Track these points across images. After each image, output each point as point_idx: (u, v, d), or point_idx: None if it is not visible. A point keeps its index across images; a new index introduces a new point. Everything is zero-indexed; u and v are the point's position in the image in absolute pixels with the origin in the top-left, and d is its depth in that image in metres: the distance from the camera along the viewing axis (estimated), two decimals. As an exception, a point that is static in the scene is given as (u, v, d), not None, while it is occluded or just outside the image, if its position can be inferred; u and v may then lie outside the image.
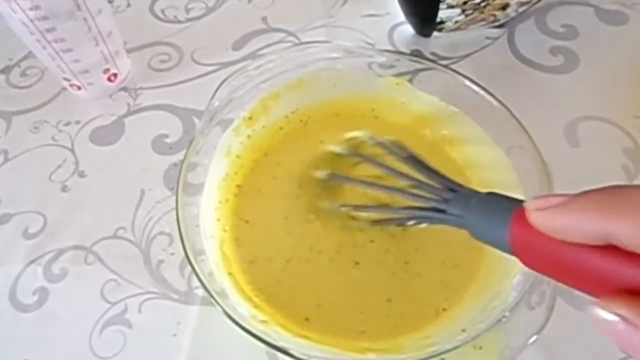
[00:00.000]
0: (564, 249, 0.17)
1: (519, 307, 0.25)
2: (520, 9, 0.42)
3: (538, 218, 0.17)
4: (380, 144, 0.30)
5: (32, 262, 0.35)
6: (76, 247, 0.36)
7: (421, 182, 0.26)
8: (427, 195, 0.25)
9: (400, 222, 0.27)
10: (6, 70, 0.46)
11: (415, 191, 0.25)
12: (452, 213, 0.23)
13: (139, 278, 0.34)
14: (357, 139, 0.33)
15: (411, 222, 0.26)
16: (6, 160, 0.41)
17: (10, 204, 0.38)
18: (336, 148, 0.32)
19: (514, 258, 0.25)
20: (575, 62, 0.43)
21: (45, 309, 0.33)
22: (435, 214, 0.24)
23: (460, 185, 0.24)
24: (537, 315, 0.25)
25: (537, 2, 0.42)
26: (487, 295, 0.27)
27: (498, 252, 0.24)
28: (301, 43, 0.45)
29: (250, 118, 0.35)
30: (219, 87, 0.34)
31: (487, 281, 0.29)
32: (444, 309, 0.28)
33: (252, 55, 0.45)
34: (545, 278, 0.26)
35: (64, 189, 0.39)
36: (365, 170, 0.31)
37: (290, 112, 0.37)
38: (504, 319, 0.24)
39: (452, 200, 0.23)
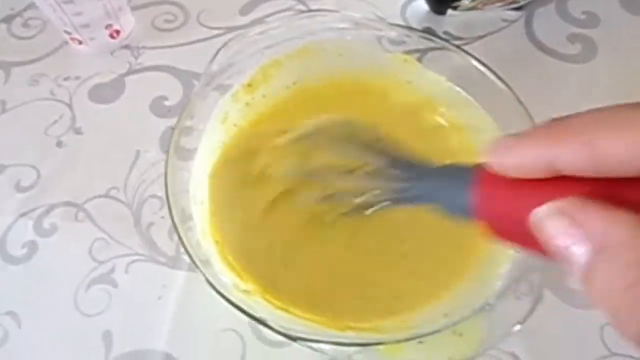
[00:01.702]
0: (522, 201, 0.16)
1: (505, 296, 0.25)
2: (541, -8, 0.40)
3: (494, 158, 0.16)
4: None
5: (23, 215, 0.35)
6: (67, 204, 0.35)
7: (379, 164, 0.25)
8: (385, 177, 0.24)
9: (362, 208, 0.26)
10: (7, 19, 0.45)
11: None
12: (409, 190, 0.22)
13: (128, 239, 0.34)
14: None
15: (373, 208, 0.25)
16: (3, 111, 0.40)
17: (5, 155, 0.38)
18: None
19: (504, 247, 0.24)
20: (594, 52, 0.41)
21: (33, 263, 0.33)
22: (395, 194, 0.23)
23: (414, 162, 0.23)
24: (523, 305, 0.25)
25: (560, -15, 0.40)
26: (474, 283, 0.26)
27: (487, 241, 0.24)
28: (308, 11, 0.44)
29: (249, 85, 0.34)
30: (218, 50, 0.33)
31: (475, 269, 0.28)
32: (429, 295, 0.28)
33: (259, 21, 0.44)
34: (535, 268, 0.25)
35: (59, 144, 0.38)
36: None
37: (292, 82, 0.35)
38: (487, 307, 0.23)
39: (410, 178, 0.22)
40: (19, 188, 0.36)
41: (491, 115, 0.32)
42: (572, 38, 0.42)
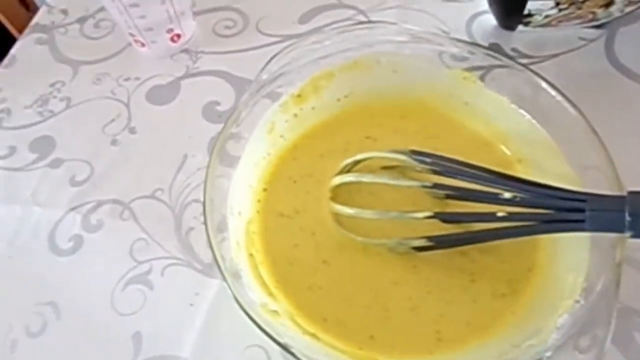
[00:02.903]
0: None
1: (563, 349, 0.22)
2: (627, 9, 0.36)
3: None
4: (430, 164, 0.27)
5: (73, 209, 0.36)
6: (115, 201, 0.36)
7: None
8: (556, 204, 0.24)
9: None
10: (81, 20, 0.48)
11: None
12: (597, 217, 0.22)
13: (168, 242, 0.34)
14: (399, 165, 0.30)
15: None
16: (67, 107, 0.42)
17: (64, 149, 0.39)
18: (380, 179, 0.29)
19: (565, 292, 0.22)
20: (684, 78, 0.36)
21: (77, 256, 0.34)
22: (571, 214, 0.23)
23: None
24: (583, 362, 0.22)
25: (650, 2, 0.36)
26: (524, 332, 0.23)
27: (547, 285, 0.22)
28: (364, 22, 0.42)
29: (299, 96, 0.33)
30: (271, 59, 0.32)
31: (532, 313, 0.26)
32: (478, 335, 0.26)
33: (317, 30, 0.43)
34: (599, 321, 0.22)
35: (114, 142, 0.39)
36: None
37: (344, 95, 0.34)
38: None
39: (590, 203, 0.22)
40: (73, 182, 0.37)
41: (559, 145, 0.29)
42: (657, 60, 0.37)
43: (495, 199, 0.25)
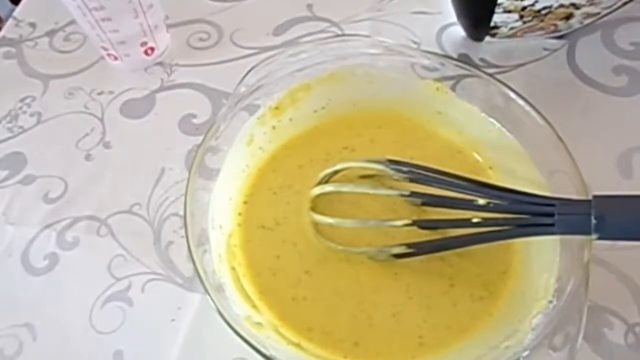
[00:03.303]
0: None
1: (538, 349, 0.23)
2: (586, 21, 0.38)
3: None
4: (409, 172, 0.28)
5: (47, 226, 0.35)
6: (91, 218, 0.36)
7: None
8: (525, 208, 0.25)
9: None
10: (51, 33, 0.47)
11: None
12: (565, 221, 0.23)
13: (147, 257, 0.34)
14: (376, 174, 0.31)
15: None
16: (39, 122, 0.41)
17: (36, 166, 0.39)
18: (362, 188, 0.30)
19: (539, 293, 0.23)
20: (641, 85, 0.39)
21: (53, 275, 0.33)
22: (541, 219, 0.24)
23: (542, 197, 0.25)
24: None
25: (606, 15, 0.38)
26: (501, 333, 0.24)
27: (522, 287, 0.23)
28: (339, 35, 0.43)
29: (277, 108, 0.33)
30: (248, 72, 0.33)
31: (508, 314, 0.27)
32: (458, 337, 0.26)
33: (292, 43, 0.44)
34: (572, 319, 0.23)
35: (88, 157, 0.39)
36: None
37: (321, 107, 0.35)
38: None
39: (559, 207, 0.24)
40: (46, 199, 0.37)
41: (527, 151, 0.30)
42: (619, 70, 0.40)
43: (470, 206, 0.26)
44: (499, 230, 0.26)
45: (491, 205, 0.25)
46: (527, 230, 0.25)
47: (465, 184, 0.27)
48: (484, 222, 0.26)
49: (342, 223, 0.29)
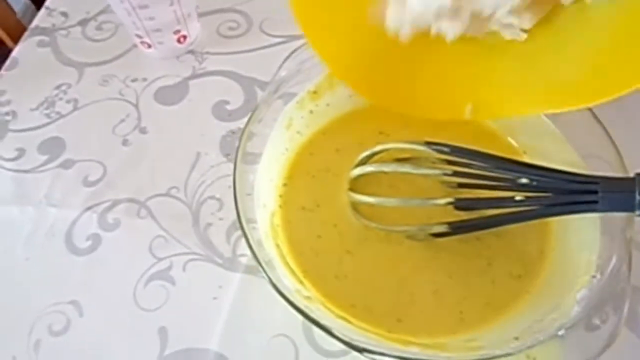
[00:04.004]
0: None
1: (580, 324, 0.24)
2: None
3: None
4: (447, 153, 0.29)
5: (88, 208, 0.36)
6: (130, 200, 0.36)
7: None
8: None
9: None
10: (83, 22, 0.48)
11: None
12: (609, 198, 0.24)
13: (187, 238, 0.34)
14: (412, 157, 0.31)
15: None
16: (75, 108, 0.42)
17: (75, 150, 0.39)
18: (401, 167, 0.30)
19: (580, 270, 0.24)
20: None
21: (96, 255, 0.34)
22: (585, 196, 0.24)
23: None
24: (597, 338, 0.24)
25: None
26: (547, 306, 0.25)
27: (560, 266, 0.23)
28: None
29: (315, 92, 0.34)
30: (287, 57, 0.33)
31: (549, 290, 0.27)
32: (499, 313, 0.27)
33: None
34: (615, 297, 0.24)
35: (125, 142, 0.40)
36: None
37: (356, 92, 0.35)
38: (562, 334, 0.22)
39: (602, 185, 0.24)
40: (86, 182, 0.38)
41: (563, 133, 0.31)
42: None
43: (512, 185, 0.27)
44: (539, 208, 0.26)
45: (534, 183, 0.26)
46: (570, 208, 0.25)
47: (506, 164, 0.27)
48: (527, 201, 0.26)
49: (384, 202, 0.29)
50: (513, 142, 0.33)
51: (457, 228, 0.28)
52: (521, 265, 0.29)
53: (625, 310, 0.23)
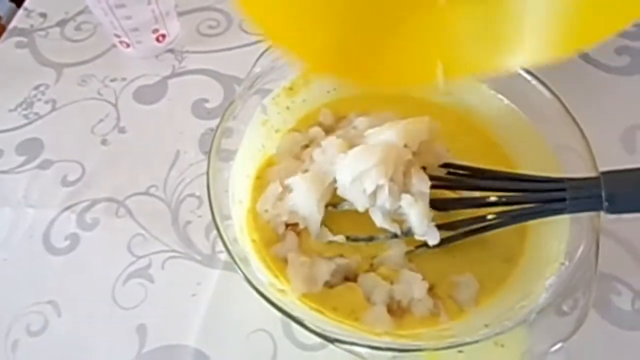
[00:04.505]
0: None
1: (548, 311, 0.24)
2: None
3: None
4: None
5: (67, 208, 0.36)
6: (109, 199, 0.36)
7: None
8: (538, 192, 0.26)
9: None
10: (62, 23, 0.48)
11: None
12: (577, 203, 0.24)
13: (166, 236, 0.34)
14: None
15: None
16: (53, 109, 0.42)
17: (53, 151, 0.39)
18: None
19: (551, 258, 0.24)
20: (643, 65, 0.40)
21: (75, 255, 0.34)
22: (554, 204, 0.25)
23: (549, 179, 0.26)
24: (566, 323, 0.24)
25: (608, -4, 0.39)
26: (517, 294, 0.25)
27: (534, 254, 0.24)
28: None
29: (290, 89, 0.34)
30: (262, 53, 0.33)
31: (519, 279, 0.28)
32: (471, 306, 0.27)
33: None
34: (582, 284, 0.24)
35: (104, 142, 0.40)
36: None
37: (332, 87, 0.36)
38: (530, 320, 0.23)
39: (570, 191, 0.24)
40: (64, 182, 0.37)
41: (535, 125, 0.31)
42: (621, 50, 0.41)
43: (482, 203, 0.28)
44: (513, 216, 0.27)
45: (503, 199, 0.26)
46: (542, 215, 0.26)
47: (475, 181, 0.28)
48: (499, 217, 0.27)
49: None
50: (490, 134, 0.34)
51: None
52: (508, 249, 0.29)
53: (593, 294, 0.24)
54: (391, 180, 0.27)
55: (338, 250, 0.29)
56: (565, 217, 0.27)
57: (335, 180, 0.29)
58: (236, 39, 0.45)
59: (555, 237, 0.27)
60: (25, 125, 0.41)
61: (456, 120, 0.34)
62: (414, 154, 0.29)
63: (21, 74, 0.44)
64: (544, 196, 0.26)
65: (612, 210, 0.24)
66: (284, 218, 0.30)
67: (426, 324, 0.27)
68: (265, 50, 0.34)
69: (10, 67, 0.45)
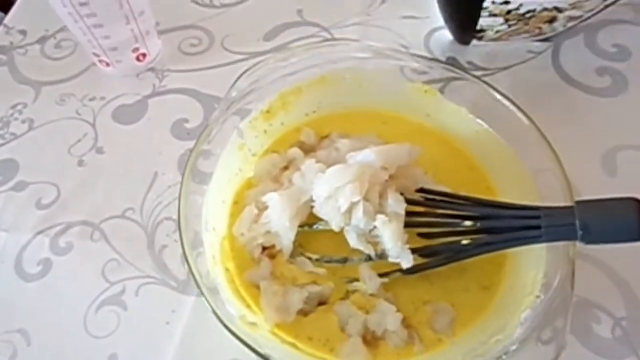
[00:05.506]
0: None
1: (527, 341, 0.23)
2: (569, 24, 0.39)
3: None
4: None
5: (40, 232, 0.35)
6: (85, 223, 0.36)
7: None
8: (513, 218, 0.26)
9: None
10: (42, 40, 0.47)
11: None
12: (551, 232, 0.24)
13: (141, 261, 0.34)
14: None
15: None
16: (30, 129, 0.41)
17: (28, 172, 0.39)
18: None
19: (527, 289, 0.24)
20: (624, 86, 0.40)
21: (47, 281, 0.33)
22: (529, 232, 0.25)
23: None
24: (546, 353, 0.24)
25: (589, 18, 0.39)
26: (492, 328, 0.25)
27: (511, 284, 0.23)
28: (329, 39, 0.44)
29: (268, 112, 0.34)
30: (239, 76, 0.33)
31: (497, 309, 0.27)
32: (448, 335, 0.27)
33: (283, 48, 0.44)
34: (560, 313, 0.24)
35: (81, 163, 0.39)
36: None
37: (312, 110, 0.35)
38: (504, 357, 0.22)
39: (545, 219, 0.24)
40: (39, 205, 0.37)
41: (514, 150, 0.31)
42: (602, 71, 0.41)
43: (456, 230, 0.27)
44: (489, 243, 0.26)
45: (478, 225, 0.26)
46: (517, 243, 0.26)
47: (450, 206, 0.28)
48: (475, 243, 0.27)
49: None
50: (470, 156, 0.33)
51: (408, 271, 0.28)
52: (487, 277, 0.28)
53: (568, 327, 0.23)
54: (367, 199, 0.27)
55: (312, 277, 0.29)
56: (542, 247, 0.27)
57: (312, 200, 0.29)
58: (219, 58, 0.45)
59: (532, 266, 0.26)
60: (1, 145, 0.40)
61: (437, 144, 0.34)
62: (392, 177, 0.29)
63: (-1, 93, 0.43)
64: (519, 223, 0.26)
65: (586, 240, 0.24)
66: (260, 241, 0.29)
67: (401, 354, 0.26)
68: (243, 73, 0.34)
69: (-13, 85, 0.44)
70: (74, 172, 0.38)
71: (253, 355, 0.29)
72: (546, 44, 0.42)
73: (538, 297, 0.24)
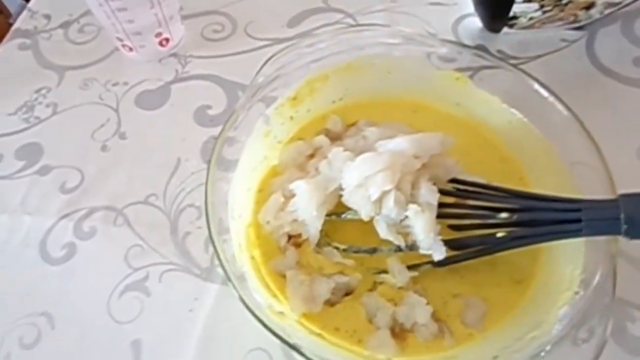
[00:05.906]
0: None
1: (562, 341, 0.23)
2: (607, 11, 0.38)
3: None
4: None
5: (64, 216, 0.35)
6: (108, 208, 0.36)
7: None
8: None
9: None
10: (65, 25, 0.47)
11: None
12: (593, 225, 0.23)
13: (164, 247, 0.34)
14: None
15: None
16: (54, 113, 0.41)
17: (52, 156, 0.39)
18: None
19: (564, 285, 0.23)
20: (662, 77, 0.38)
21: (70, 265, 0.33)
22: (568, 226, 0.24)
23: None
24: (583, 354, 0.23)
25: (627, 5, 0.38)
26: (528, 323, 0.24)
27: (545, 279, 0.22)
28: (357, 25, 0.43)
29: (294, 98, 0.33)
30: (265, 62, 0.32)
31: (530, 305, 0.26)
32: (479, 330, 0.26)
33: (306, 34, 0.43)
34: (597, 312, 0.23)
35: (104, 148, 0.39)
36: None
37: (339, 97, 0.35)
38: (542, 354, 0.21)
39: (585, 212, 0.23)
40: (63, 189, 0.37)
41: (547, 137, 0.30)
42: (638, 61, 0.39)
43: (493, 221, 0.26)
44: (525, 236, 0.26)
45: (515, 217, 0.25)
46: (555, 236, 0.25)
47: (485, 198, 0.27)
48: (509, 236, 0.26)
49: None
50: (502, 148, 0.32)
51: (438, 264, 0.27)
52: (519, 271, 0.27)
53: (609, 327, 0.22)
54: (398, 188, 0.26)
55: (338, 267, 0.28)
56: (580, 241, 0.26)
57: (340, 188, 0.28)
58: (241, 44, 0.44)
59: (569, 261, 0.25)
60: (25, 129, 0.40)
61: (468, 133, 0.33)
62: (424, 165, 0.28)
63: (23, 77, 0.43)
64: (558, 216, 0.25)
65: (631, 234, 0.22)
66: (286, 229, 0.29)
67: (431, 348, 0.26)
68: (269, 59, 0.33)
69: (12, 69, 0.44)
70: (97, 157, 0.38)
71: (276, 343, 0.29)
72: (580, 32, 0.41)
73: (577, 293, 0.23)
